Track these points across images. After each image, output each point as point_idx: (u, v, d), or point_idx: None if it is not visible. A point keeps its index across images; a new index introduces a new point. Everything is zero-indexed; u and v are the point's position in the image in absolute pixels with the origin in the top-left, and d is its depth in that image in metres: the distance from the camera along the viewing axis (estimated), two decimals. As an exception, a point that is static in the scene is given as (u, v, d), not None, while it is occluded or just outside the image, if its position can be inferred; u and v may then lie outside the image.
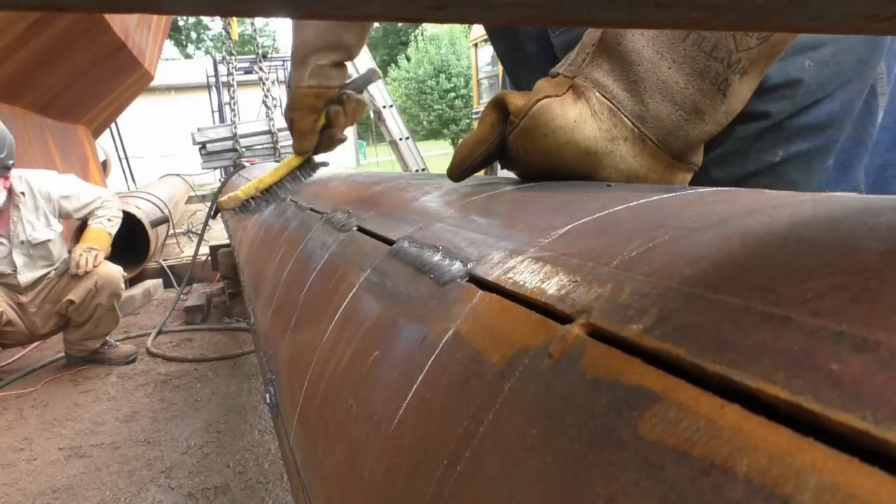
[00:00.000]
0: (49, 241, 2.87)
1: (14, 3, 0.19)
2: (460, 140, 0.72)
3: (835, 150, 0.78)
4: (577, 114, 0.57)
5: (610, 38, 0.58)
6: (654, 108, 0.57)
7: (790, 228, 0.24)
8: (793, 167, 0.77)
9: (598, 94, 0.58)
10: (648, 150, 0.58)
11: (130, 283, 4.30)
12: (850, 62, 0.74)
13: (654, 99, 0.57)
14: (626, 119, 0.58)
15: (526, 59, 0.98)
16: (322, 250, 0.75)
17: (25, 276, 2.81)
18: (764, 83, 0.65)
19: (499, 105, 0.62)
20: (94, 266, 2.88)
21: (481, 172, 0.69)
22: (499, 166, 0.67)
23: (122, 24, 4.25)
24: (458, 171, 0.66)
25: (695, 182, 0.63)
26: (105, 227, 3.02)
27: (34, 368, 2.88)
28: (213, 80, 9.40)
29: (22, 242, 2.76)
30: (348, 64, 1.02)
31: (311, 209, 1.01)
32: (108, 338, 3.05)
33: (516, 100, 0.61)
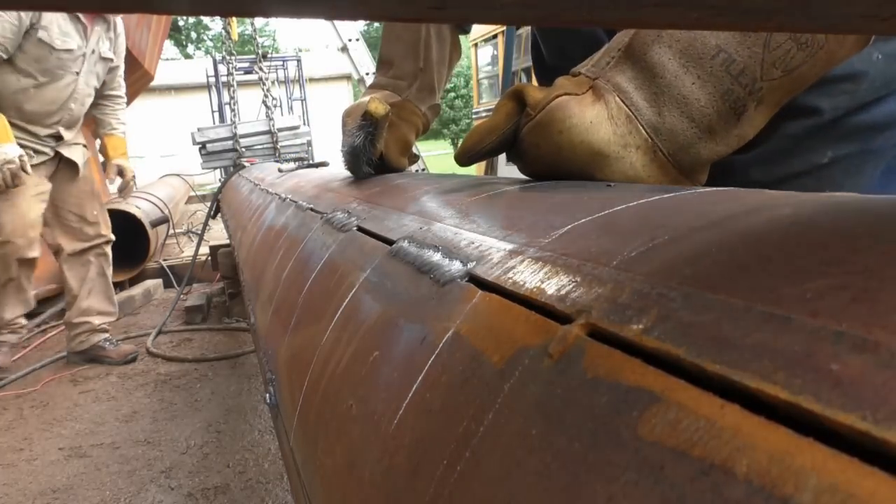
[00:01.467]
0: (111, 63, 2.88)
1: (14, 3, 0.19)
2: (470, 129, 0.72)
3: (888, 156, 0.72)
4: (595, 115, 0.57)
5: (637, 47, 0.58)
6: (670, 122, 0.57)
7: (790, 228, 0.24)
8: (840, 170, 0.72)
9: (617, 98, 0.58)
10: (658, 161, 0.58)
11: (130, 283, 4.30)
12: None
13: (671, 113, 0.57)
14: (641, 128, 0.57)
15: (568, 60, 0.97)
16: (322, 250, 0.75)
17: (81, 84, 2.76)
18: (823, 75, 0.61)
19: (516, 96, 0.62)
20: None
21: (482, 169, 0.69)
22: (499, 164, 0.68)
23: (122, 24, 4.24)
24: (467, 156, 0.66)
25: (732, 184, 0.61)
26: (124, 139, 3.06)
27: (34, 368, 2.88)
28: (213, 80, 9.40)
29: (93, 52, 2.76)
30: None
31: (311, 209, 1.01)
32: (108, 335, 3.04)
33: (535, 93, 0.60)
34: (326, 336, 0.55)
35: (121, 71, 3.01)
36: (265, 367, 0.89)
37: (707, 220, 0.29)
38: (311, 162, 2.55)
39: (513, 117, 0.62)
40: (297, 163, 2.55)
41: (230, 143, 4.37)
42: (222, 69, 6.84)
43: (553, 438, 0.22)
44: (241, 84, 5.07)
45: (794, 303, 0.19)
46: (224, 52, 4.93)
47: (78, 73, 2.73)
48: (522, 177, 0.66)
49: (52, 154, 2.78)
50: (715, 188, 0.40)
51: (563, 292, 0.28)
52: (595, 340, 0.24)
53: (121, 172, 3.06)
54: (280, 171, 2.19)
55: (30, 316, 3.65)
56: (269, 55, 7.63)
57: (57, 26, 2.59)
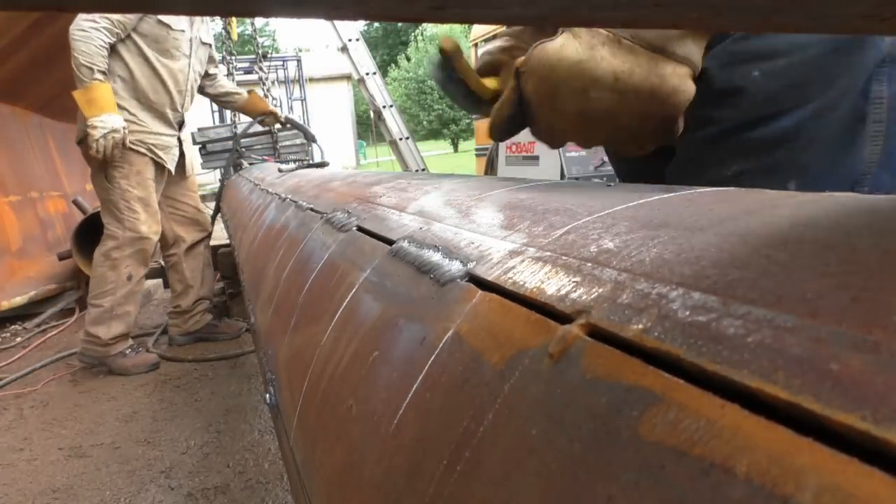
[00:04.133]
0: (209, 49, 2.97)
1: (14, 3, 0.19)
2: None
3: (795, 173, 0.73)
4: (562, 39, 0.64)
5: None
6: None
7: (790, 228, 0.24)
8: (747, 184, 0.71)
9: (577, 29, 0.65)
10: (625, 47, 0.63)
11: (130, 283, 4.29)
12: (812, 77, 0.69)
13: None
14: (601, 30, 0.63)
15: None
16: (322, 250, 0.75)
17: (194, 66, 2.83)
18: (709, 87, 0.70)
19: (515, 72, 0.69)
20: None
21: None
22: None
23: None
24: (495, 133, 0.75)
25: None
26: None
27: (34, 368, 2.88)
28: (213, 79, 9.38)
29: (196, 37, 2.81)
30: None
31: (311, 209, 1.01)
32: (132, 342, 2.89)
33: (518, 56, 0.69)
34: (326, 336, 0.55)
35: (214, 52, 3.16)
36: (265, 367, 0.89)
37: (707, 220, 0.29)
38: (311, 162, 2.55)
39: (516, 90, 0.68)
40: (297, 163, 2.55)
41: (230, 143, 4.37)
42: (222, 69, 6.83)
43: (553, 438, 0.22)
44: (242, 84, 5.07)
45: (794, 303, 0.19)
46: (224, 52, 4.93)
47: (189, 56, 2.79)
48: (523, 177, 0.67)
49: (177, 144, 2.86)
50: (715, 188, 0.40)
51: (563, 292, 0.28)
52: (595, 340, 0.24)
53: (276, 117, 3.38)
54: (280, 171, 2.19)
55: (30, 316, 3.66)
56: (269, 55, 7.63)
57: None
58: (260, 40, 4.84)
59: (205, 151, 4.41)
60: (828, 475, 0.14)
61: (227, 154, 4.37)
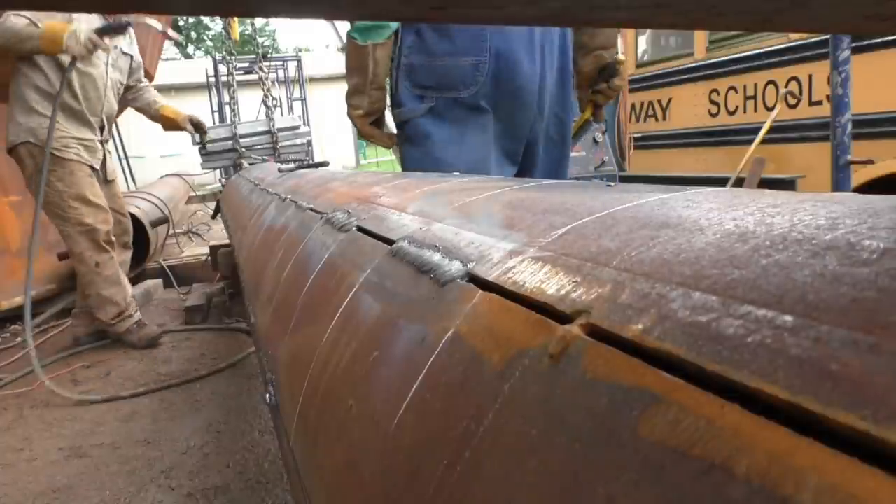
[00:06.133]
0: (132, 60, 3.04)
1: (14, 4, 0.19)
2: None
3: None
4: None
5: None
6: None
7: (790, 228, 0.24)
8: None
9: None
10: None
11: (130, 283, 4.30)
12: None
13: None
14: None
15: None
16: (322, 250, 0.75)
17: (111, 75, 2.89)
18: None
19: None
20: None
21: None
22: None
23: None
24: None
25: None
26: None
27: (34, 369, 2.88)
28: (213, 80, 9.39)
29: (115, 46, 2.87)
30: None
31: (311, 209, 1.01)
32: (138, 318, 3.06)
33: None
34: (326, 336, 0.55)
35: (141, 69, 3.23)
36: (265, 367, 0.89)
37: (707, 220, 0.29)
38: (311, 162, 2.54)
39: None
40: (296, 163, 2.55)
41: (230, 143, 4.37)
42: (222, 69, 6.84)
43: (553, 438, 0.22)
44: (241, 84, 5.07)
45: (794, 303, 0.19)
46: (224, 52, 4.93)
47: (106, 65, 2.85)
48: (522, 177, 0.67)
49: (101, 148, 2.93)
50: (715, 188, 0.40)
51: (563, 292, 0.28)
52: (595, 340, 0.24)
53: (196, 124, 3.44)
54: (280, 171, 2.19)
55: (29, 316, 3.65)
56: (269, 55, 7.62)
57: (86, 16, 2.68)
58: (260, 40, 4.84)
59: (205, 151, 4.40)
60: (828, 475, 0.14)
61: (228, 154, 4.36)
